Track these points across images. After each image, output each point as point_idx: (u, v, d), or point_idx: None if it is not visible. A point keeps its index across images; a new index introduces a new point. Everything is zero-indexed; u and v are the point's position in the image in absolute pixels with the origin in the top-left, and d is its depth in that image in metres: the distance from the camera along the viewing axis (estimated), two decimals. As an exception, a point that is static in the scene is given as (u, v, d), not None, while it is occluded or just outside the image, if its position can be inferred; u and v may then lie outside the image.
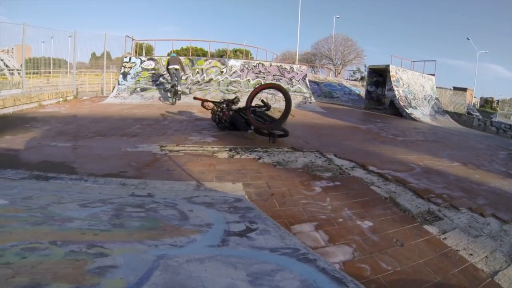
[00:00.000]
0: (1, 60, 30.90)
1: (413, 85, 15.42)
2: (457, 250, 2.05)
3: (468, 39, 38.31)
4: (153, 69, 14.08)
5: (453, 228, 2.41)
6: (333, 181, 3.26)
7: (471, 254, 2.02)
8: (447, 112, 16.40)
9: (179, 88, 11.74)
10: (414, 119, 12.60)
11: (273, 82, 4.80)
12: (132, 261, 1.10)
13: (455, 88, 29.88)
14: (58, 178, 3.15)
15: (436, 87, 18.30)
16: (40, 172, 3.31)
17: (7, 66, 29.70)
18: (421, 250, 2.00)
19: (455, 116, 15.97)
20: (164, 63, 14.26)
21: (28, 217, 1.66)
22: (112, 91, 13.36)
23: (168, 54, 18.83)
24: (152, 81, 13.65)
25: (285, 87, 13.90)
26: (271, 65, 14.94)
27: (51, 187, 2.83)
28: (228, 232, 1.54)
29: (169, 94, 11.78)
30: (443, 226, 2.42)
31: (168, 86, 13.35)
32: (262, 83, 13.86)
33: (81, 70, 18.13)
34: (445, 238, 2.21)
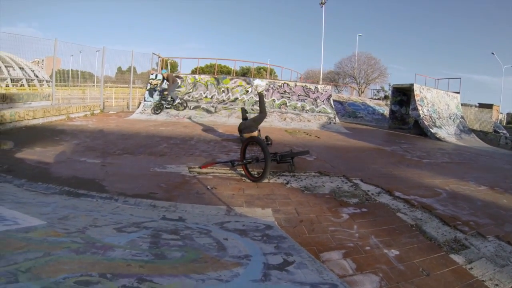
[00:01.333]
0: (31, 70, 32.66)
1: (438, 103, 15.21)
2: (483, 281, 2.08)
3: (493, 53, 37.41)
4: (179, 86, 14.48)
5: (480, 257, 2.42)
6: (360, 208, 3.35)
7: (497, 285, 2.05)
8: (472, 130, 16.04)
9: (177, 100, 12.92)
10: (439, 139, 12.40)
11: (253, 136, 4.74)
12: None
13: (481, 105, 29.03)
14: (88, 195, 3.34)
15: (461, 104, 17.96)
16: (71, 188, 3.52)
17: (37, 76, 31.31)
18: (447, 280, 2.05)
19: (481, 134, 15.59)
20: (190, 80, 14.76)
21: (70, 243, 1.75)
22: (138, 107, 13.82)
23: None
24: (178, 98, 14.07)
25: (309, 107, 14.16)
26: (296, 85, 15.15)
27: (83, 205, 3.00)
28: (267, 266, 1.66)
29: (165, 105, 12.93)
30: (470, 255, 2.44)
31: (192, 104, 14.10)
32: (287, 104, 14.10)
33: (107, 84, 18.90)
34: (471, 268, 2.24)
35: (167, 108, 12.84)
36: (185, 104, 13.14)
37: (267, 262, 1.72)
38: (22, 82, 29.30)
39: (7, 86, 25.98)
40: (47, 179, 3.82)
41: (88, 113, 12.42)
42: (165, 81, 12.91)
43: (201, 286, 1.33)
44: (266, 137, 6.62)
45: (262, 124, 11.77)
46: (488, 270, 2.23)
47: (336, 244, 2.43)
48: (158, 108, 12.66)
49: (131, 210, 2.97)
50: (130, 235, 2.08)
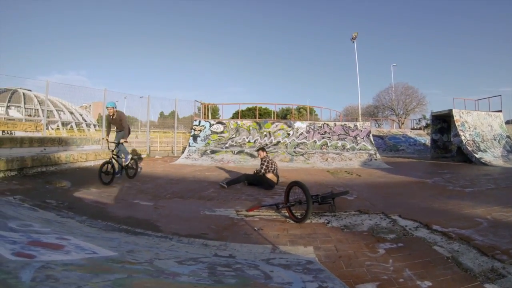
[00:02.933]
0: (80, 114, 35.50)
1: (480, 126, 14.78)
2: None
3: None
4: (222, 132, 15.21)
5: None
6: (396, 243, 3.52)
7: (528, 312, 2.14)
8: (521, 149, 15.21)
9: (126, 159, 7.99)
10: (485, 164, 11.97)
11: (296, 181, 4.99)
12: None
13: (528, 119, 27.35)
14: (145, 234, 3.74)
15: (507, 122, 17.26)
16: (128, 227, 3.96)
17: (85, 120, 33.95)
18: None
19: (531, 152, 14.72)
20: (233, 126, 15.39)
21: (144, 270, 2.07)
22: (183, 152, 14.64)
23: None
24: (222, 143, 14.68)
25: (350, 145, 14.32)
26: (335, 125, 15.51)
27: (142, 242, 3.37)
28: None
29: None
30: (506, 284, 2.48)
31: (235, 149, 14.34)
32: (328, 144, 14.38)
33: (150, 129, 20.33)
34: None
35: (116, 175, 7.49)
36: (135, 166, 8.33)
37: (305, 287, 2.04)
38: (71, 125, 32.18)
39: (57, 128, 28.71)
40: (105, 217, 4.35)
41: (136, 157, 13.42)
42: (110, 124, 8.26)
43: None
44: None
45: (305, 166, 12.14)
46: (523, 298, 2.24)
47: (371, 277, 2.65)
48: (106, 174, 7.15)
49: (185, 247, 3.31)
50: (190, 267, 2.40)
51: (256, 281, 2.18)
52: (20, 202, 4.73)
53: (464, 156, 13.31)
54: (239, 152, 14.05)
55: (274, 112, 27.79)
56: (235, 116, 30.68)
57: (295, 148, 14.40)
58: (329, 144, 14.66)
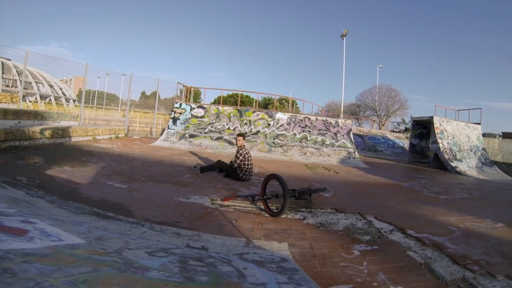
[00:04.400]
0: (60, 88, 34.30)
1: (458, 136, 15.15)
2: None
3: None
4: (202, 116, 14.98)
5: None
6: (371, 245, 3.51)
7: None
8: (495, 162, 15.76)
9: None
10: (459, 173, 12.29)
11: (274, 173, 4.87)
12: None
13: (505, 134, 28.39)
14: (116, 218, 3.62)
15: (484, 134, 17.80)
16: (100, 210, 3.83)
17: (64, 94, 32.87)
18: None
19: (504, 166, 15.37)
20: (214, 111, 15.20)
21: (112, 262, 1.97)
22: (161, 134, 14.37)
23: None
24: (201, 128, 14.46)
25: (329, 142, 14.36)
26: (317, 119, 15.51)
27: (113, 228, 3.25)
28: None
29: None
30: None
31: (214, 135, 13.95)
32: (308, 138, 14.37)
33: (131, 108, 19.83)
34: None
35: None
36: None
37: None
38: (50, 99, 31.11)
39: (35, 101, 27.71)
40: (77, 199, 4.19)
41: (113, 136, 13.14)
42: None
43: None
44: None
45: (283, 158, 12.10)
46: (493, 310, 2.28)
47: (345, 279, 2.62)
48: None
49: (157, 236, 3.21)
50: (161, 259, 2.31)
51: (229, 280, 2.09)
52: None
53: (440, 163, 13.62)
54: (218, 139, 13.87)
55: (256, 101, 27.63)
56: (217, 101, 30.37)
57: (274, 139, 14.34)
58: (309, 138, 14.67)
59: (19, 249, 1.68)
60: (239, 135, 7.34)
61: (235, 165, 6.87)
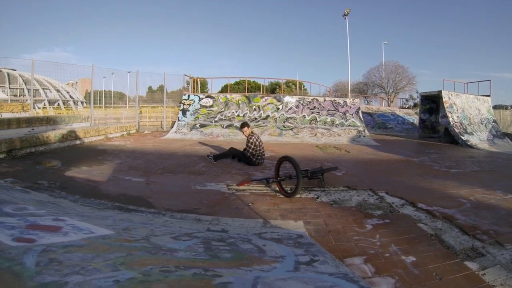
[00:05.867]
0: (67, 92, 34.66)
1: (468, 109, 14.95)
2: (493, 286, 2.23)
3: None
4: (211, 106, 15.07)
5: (494, 264, 2.56)
6: (383, 219, 3.64)
7: (507, 290, 2.20)
8: (507, 134, 15.54)
9: None
10: (470, 146, 12.19)
11: (287, 155, 4.94)
12: (239, 280, 1.64)
13: (516, 105, 27.78)
14: (138, 210, 3.79)
15: (495, 106, 17.54)
16: (121, 204, 4.00)
17: (72, 97, 33.22)
18: (458, 284, 2.26)
19: (516, 138, 15.09)
20: (222, 100, 15.28)
21: (142, 247, 2.11)
22: (172, 127, 14.52)
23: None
24: (211, 117, 14.57)
25: (339, 121, 14.38)
26: (325, 100, 15.49)
27: (136, 219, 3.40)
28: (298, 262, 2.07)
29: None
30: (484, 263, 2.59)
31: (225, 123, 14.11)
32: (317, 119, 14.40)
33: (139, 104, 20.10)
34: (484, 274, 2.39)
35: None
36: None
37: (297, 260, 2.11)
38: (58, 103, 31.49)
39: (44, 107, 28.10)
40: (98, 196, 4.36)
41: (125, 133, 13.30)
42: None
43: (249, 274, 1.72)
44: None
45: (294, 140, 12.22)
46: (501, 276, 2.36)
47: (359, 251, 2.77)
48: None
49: (179, 223, 3.36)
50: (185, 242, 2.45)
51: (250, 255, 2.25)
52: (11, 185, 4.65)
53: (451, 138, 13.51)
54: (229, 126, 14.00)
55: (263, 86, 27.52)
56: (224, 90, 30.33)
57: (284, 122, 14.40)
58: (318, 119, 14.68)
59: (58, 242, 1.84)
60: (242, 126, 7.40)
61: (248, 154, 6.99)
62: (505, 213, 4.00)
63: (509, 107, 26.88)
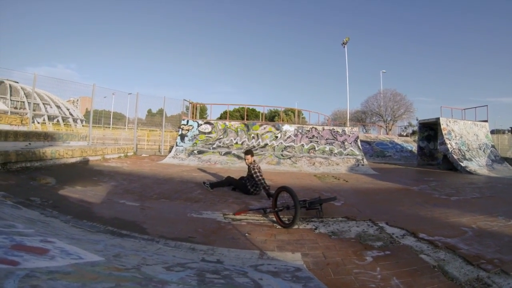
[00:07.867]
0: (67, 109, 34.75)
1: (466, 135, 15.06)
2: None
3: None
4: (210, 132, 15.15)
5: None
6: (383, 251, 3.54)
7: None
8: (505, 159, 15.58)
9: None
10: (470, 172, 12.19)
11: (285, 186, 4.93)
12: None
13: (514, 129, 27.89)
14: (131, 236, 3.67)
15: (492, 131, 17.64)
16: (114, 228, 3.88)
17: (71, 115, 33.27)
18: None
19: (515, 162, 15.10)
20: (221, 126, 15.35)
21: (132, 278, 2.00)
22: (170, 151, 14.52)
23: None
24: (209, 144, 14.57)
25: (337, 150, 14.40)
26: (323, 129, 15.61)
27: (129, 245, 3.28)
28: None
29: None
30: None
31: (223, 150, 14.06)
32: (316, 148, 14.44)
33: (138, 127, 20.15)
34: None
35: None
36: None
37: None
38: (58, 120, 31.60)
39: (43, 122, 28.16)
40: (91, 218, 4.26)
41: (122, 155, 13.26)
42: None
43: None
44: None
45: (292, 169, 12.17)
46: (508, 308, 2.26)
47: (359, 285, 2.66)
48: None
49: (172, 251, 3.26)
50: (178, 273, 2.34)
51: None
52: (2, 199, 4.58)
53: (449, 164, 13.51)
54: (226, 154, 13.99)
55: (262, 114, 27.84)
56: (223, 116, 30.61)
57: (282, 151, 14.43)
58: (316, 148, 14.73)
59: (43, 267, 1.75)
60: (246, 153, 7.23)
61: (262, 181, 6.68)
62: (508, 240, 3.93)
63: (507, 131, 26.94)
